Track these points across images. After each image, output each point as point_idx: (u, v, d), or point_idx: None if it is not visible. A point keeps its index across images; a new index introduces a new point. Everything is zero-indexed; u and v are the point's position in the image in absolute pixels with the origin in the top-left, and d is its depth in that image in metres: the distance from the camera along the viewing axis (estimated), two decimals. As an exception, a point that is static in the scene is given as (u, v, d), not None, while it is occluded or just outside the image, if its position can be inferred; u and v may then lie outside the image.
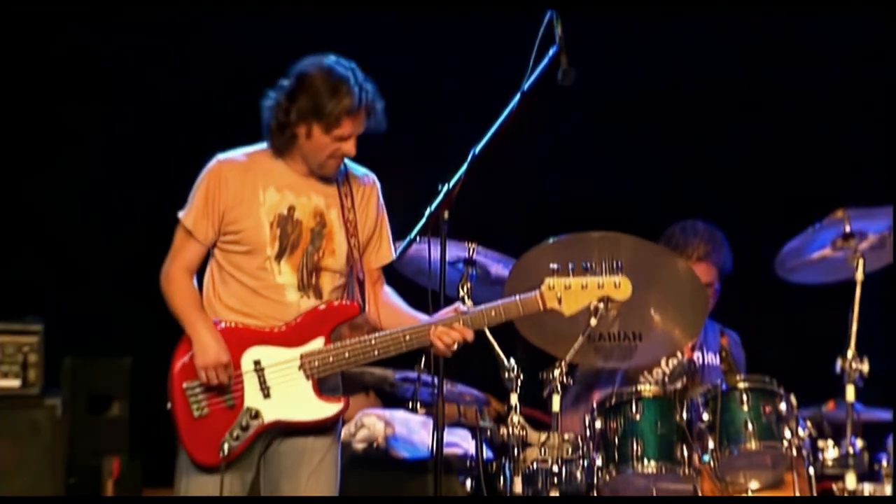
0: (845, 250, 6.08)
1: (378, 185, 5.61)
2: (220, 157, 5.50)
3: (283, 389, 5.39)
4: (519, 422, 5.81)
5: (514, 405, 5.83)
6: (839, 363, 5.91)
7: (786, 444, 5.86)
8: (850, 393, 5.90)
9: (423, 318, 5.47)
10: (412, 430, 6.76)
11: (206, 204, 5.45)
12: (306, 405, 5.40)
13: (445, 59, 7.85)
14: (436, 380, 5.42)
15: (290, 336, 5.41)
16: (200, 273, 5.54)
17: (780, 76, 7.95)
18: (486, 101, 5.66)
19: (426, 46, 7.78)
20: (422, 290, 5.49)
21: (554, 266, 5.44)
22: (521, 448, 5.84)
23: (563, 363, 5.79)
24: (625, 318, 5.91)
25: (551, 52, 5.56)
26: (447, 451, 6.36)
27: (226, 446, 5.34)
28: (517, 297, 5.44)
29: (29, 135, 7.69)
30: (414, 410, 6.73)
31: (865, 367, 5.88)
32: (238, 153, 5.52)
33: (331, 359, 5.39)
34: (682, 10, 7.68)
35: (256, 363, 5.39)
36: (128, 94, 7.80)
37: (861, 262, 6.01)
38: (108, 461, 7.11)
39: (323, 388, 5.43)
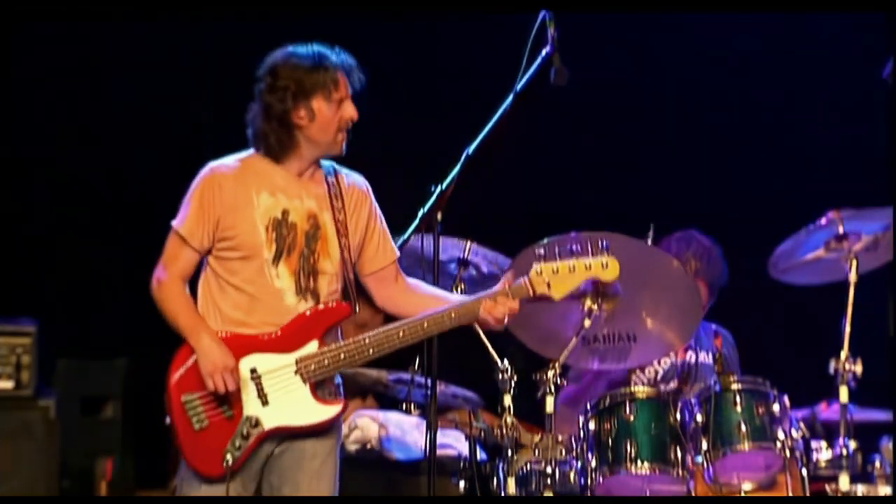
0: (839, 251, 6.08)
1: (369, 188, 5.54)
2: (213, 164, 5.44)
3: (281, 395, 5.33)
4: (512, 423, 5.81)
5: (507, 407, 5.83)
6: (832, 364, 5.91)
7: (779, 445, 5.85)
8: (843, 394, 5.90)
9: (452, 299, 5.45)
10: (406, 431, 6.76)
11: (201, 211, 5.37)
12: (305, 409, 5.35)
13: (439, 59, 7.85)
14: (429, 381, 5.42)
15: (283, 342, 5.35)
16: (193, 286, 5.47)
17: (775, 76, 7.96)
18: (479, 101, 5.66)
19: (420, 46, 7.78)
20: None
21: (540, 252, 5.38)
22: (515, 449, 5.83)
23: (556, 364, 5.80)
24: (618, 319, 5.92)
25: (544, 52, 5.56)
26: (441, 452, 6.35)
27: (228, 457, 5.27)
28: (507, 286, 5.38)
29: (24, 135, 7.69)
30: (408, 412, 6.73)
31: (859, 369, 5.89)
32: (230, 160, 5.46)
33: (326, 361, 5.33)
34: (676, 12, 7.68)
35: (253, 371, 5.33)
36: (123, 95, 7.80)
37: (854, 263, 6.02)
38: (101, 462, 7.12)
39: (320, 390, 5.38)
